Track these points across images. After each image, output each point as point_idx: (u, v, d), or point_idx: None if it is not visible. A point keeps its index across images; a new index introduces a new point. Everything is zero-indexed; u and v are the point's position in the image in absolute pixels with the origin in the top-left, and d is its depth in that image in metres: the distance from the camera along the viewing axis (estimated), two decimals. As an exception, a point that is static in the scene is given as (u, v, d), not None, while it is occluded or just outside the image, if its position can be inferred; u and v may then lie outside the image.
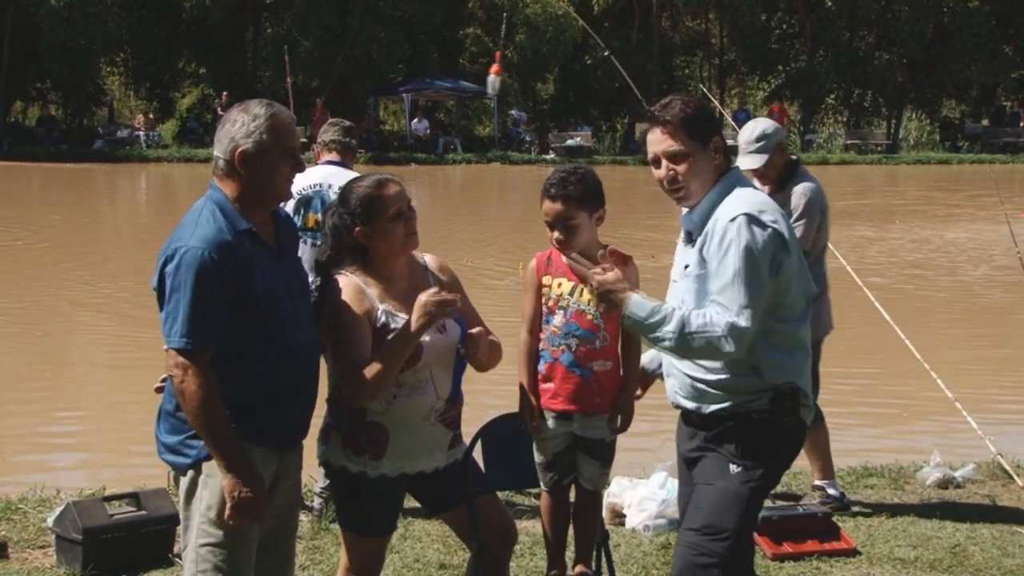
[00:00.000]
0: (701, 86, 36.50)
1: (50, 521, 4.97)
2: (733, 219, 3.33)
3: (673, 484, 5.35)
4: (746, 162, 5.38)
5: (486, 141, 39.49)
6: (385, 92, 39.67)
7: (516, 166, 34.86)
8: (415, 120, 37.79)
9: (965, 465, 6.39)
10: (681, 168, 3.42)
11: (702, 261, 3.37)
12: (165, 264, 3.20)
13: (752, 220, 3.32)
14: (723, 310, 3.28)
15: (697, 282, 3.39)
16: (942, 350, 9.79)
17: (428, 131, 37.65)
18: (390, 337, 3.51)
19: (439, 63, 40.48)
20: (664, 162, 3.44)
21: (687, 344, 3.29)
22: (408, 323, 3.46)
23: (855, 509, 5.69)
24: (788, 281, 3.38)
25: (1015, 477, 5.98)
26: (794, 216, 5.42)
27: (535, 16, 39.00)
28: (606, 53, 7.39)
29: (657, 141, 3.45)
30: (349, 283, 3.59)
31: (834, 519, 5.37)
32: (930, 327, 11.23)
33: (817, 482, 5.76)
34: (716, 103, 11.74)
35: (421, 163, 34.36)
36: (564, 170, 4.04)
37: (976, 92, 45.80)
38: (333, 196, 4.75)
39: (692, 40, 47.73)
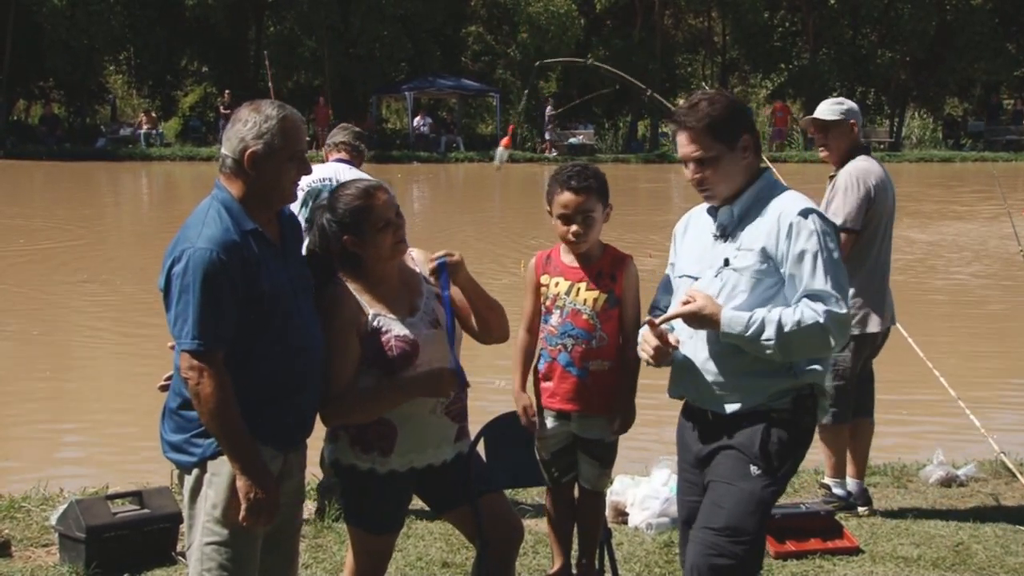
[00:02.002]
0: (704, 84, 36.49)
1: (53, 519, 4.98)
2: (804, 214, 3.34)
3: (675, 482, 5.34)
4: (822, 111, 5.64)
5: (488, 139, 39.52)
6: (387, 90, 39.70)
7: (518, 164, 34.88)
8: (417, 118, 37.80)
9: (968, 463, 6.38)
10: (707, 172, 3.43)
11: (765, 258, 3.35)
12: (172, 265, 3.18)
13: (820, 214, 3.38)
14: (816, 302, 3.28)
15: (755, 278, 3.36)
16: (944, 347, 9.78)
17: (430, 129, 37.65)
18: (383, 386, 3.54)
19: (441, 61, 40.50)
20: (691, 165, 3.45)
21: (789, 344, 3.26)
22: (405, 380, 3.52)
23: (861, 510, 5.67)
24: None
25: (1018, 475, 5.97)
26: (830, 194, 5.45)
27: (537, 15, 39.00)
28: (648, 93, 7.34)
29: (683, 144, 3.46)
30: (343, 292, 3.59)
31: (837, 517, 5.36)
32: (932, 324, 11.21)
33: (826, 479, 5.74)
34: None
35: (423, 161, 34.40)
36: (575, 165, 4.06)
37: (979, 90, 45.76)
38: None
39: (695, 38, 47.70)
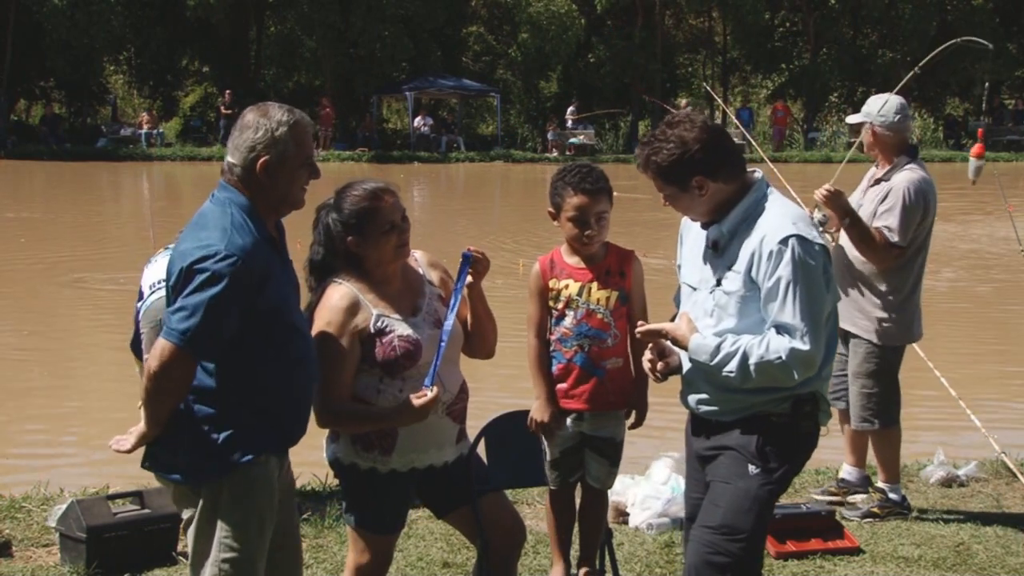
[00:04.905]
0: (704, 84, 36.49)
1: (54, 519, 4.97)
2: (784, 241, 3.30)
3: (677, 482, 5.34)
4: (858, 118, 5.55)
5: (489, 139, 39.50)
6: (388, 91, 39.67)
7: (519, 164, 34.89)
8: (418, 119, 37.78)
9: (969, 463, 6.37)
10: (669, 203, 3.51)
11: (750, 283, 3.34)
12: (203, 259, 3.04)
13: (802, 241, 3.30)
14: (783, 335, 3.28)
15: (742, 302, 3.37)
16: (945, 347, 9.76)
17: (431, 130, 37.62)
18: (378, 406, 3.57)
19: (442, 62, 40.48)
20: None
21: (750, 378, 3.31)
22: (388, 412, 3.53)
23: (863, 508, 5.66)
24: (830, 292, 3.41)
25: (1019, 475, 5.96)
26: (886, 205, 5.34)
27: (538, 15, 38.99)
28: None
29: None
30: (346, 293, 3.59)
31: (837, 518, 5.36)
32: (932, 323, 11.16)
33: (880, 484, 5.70)
34: (720, 101, 11.66)
35: (424, 162, 34.38)
36: (581, 166, 4.06)
37: (979, 90, 45.70)
38: None
39: (695, 38, 47.67)
